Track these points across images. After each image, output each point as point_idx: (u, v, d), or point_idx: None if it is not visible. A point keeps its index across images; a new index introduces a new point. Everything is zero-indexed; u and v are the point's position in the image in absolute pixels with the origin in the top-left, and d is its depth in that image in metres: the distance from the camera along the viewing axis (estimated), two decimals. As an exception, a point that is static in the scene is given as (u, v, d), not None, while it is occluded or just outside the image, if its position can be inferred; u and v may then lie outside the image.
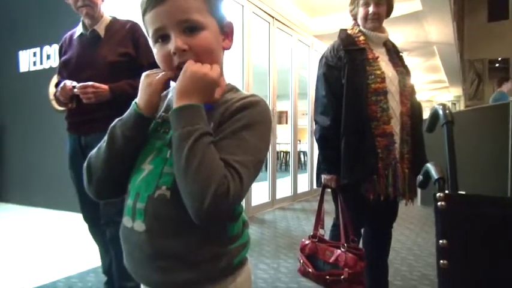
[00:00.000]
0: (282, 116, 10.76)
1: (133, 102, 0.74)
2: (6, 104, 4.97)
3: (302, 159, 8.73)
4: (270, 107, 4.85)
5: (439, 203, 0.82)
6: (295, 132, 5.69)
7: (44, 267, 2.61)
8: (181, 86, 0.68)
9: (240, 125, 0.68)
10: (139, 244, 0.71)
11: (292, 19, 5.43)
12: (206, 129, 0.65)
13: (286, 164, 8.82)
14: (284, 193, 5.32)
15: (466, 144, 2.96)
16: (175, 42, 0.70)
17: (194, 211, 0.62)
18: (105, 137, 0.75)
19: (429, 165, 0.89)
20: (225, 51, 0.80)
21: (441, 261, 0.81)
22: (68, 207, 4.10)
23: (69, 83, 1.80)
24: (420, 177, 0.95)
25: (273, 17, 4.88)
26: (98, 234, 2.02)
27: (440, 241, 0.82)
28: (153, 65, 1.98)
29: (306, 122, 6.24)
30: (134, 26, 1.93)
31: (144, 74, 0.76)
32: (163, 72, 0.74)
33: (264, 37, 4.86)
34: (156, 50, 0.74)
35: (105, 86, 1.77)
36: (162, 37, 0.72)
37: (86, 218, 2.06)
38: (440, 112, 0.92)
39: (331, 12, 5.97)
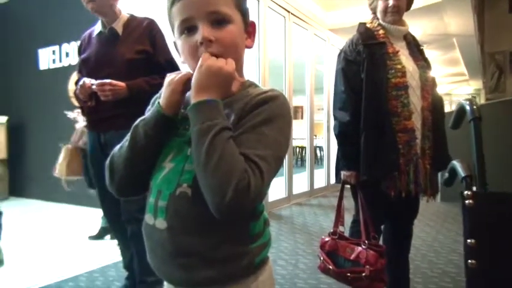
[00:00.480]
0: (297, 111, 10.69)
1: (156, 102, 0.75)
2: (27, 101, 5.08)
3: (318, 154, 8.68)
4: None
5: (466, 201, 0.79)
6: (312, 127, 5.65)
7: (66, 261, 2.66)
8: (197, 81, 0.68)
9: (260, 120, 0.67)
10: (161, 241, 0.72)
11: (307, 13, 5.37)
12: (225, 124, 0.65)
13: (302, 159, 8.80)
14: (301, 189, 5.30)
15: (487, 138, 2.88)
16: (202, 32, 0.70)
17: (215, 206, 0.62)
18: (128, 136, 0.75)
19: (455, 163, 0.86)
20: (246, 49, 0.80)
21: (469, 261, 0.79)
22: (89, 202, 4.18)
23: (88, 80, 1.82)
24: (446, 175, 0.92)
25: (288, 11, 4.84)
26: (118, 230, 2.04)
27: (469, 240, 0.80)
28: (170, 62, 1.98)
29: (322, 117, 6.19)
30: (151, 23, 1.93)
31: (168, 75, 0.76)
32: (184, 73, 0.74)
33: (279, 32, 4.83)
34: (181, 42, 0.75)
35: (122, 84, 1.79)
36: (188, 29, 0.73)
37: (106, 214, 2.09)
38: (468, 108, 0.89)
39: (347, 6, 5.88)
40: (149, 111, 0.76)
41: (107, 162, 0.77)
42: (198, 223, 0.69)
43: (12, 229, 3.29)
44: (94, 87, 1.79)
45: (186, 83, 0.73)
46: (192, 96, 0.68)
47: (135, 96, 1.78)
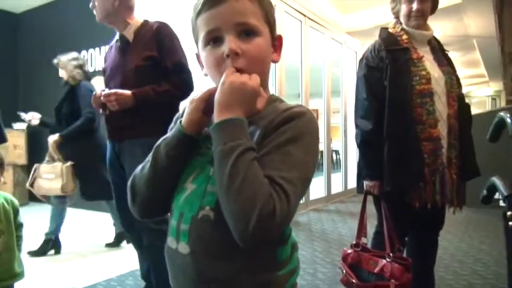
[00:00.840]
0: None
1: (178, 121, 0.72)
2: (46, 107, 5.14)
3: (335, 158, 8.59)
4: (293, 103, 4.88)
5: (510, 223, 0.74)
6: (328, 130, 5.59)
7: (84, 269, 2.67)
8: (220, 98, 0.64)
9: (285, 138, 0.63)
10: (183, 267, 0.68)
11: (324, 17, 5.32)
12: (249, 145, 0.61)
13: (319, 163, 8.71)
14: (317, 194, 5.23)
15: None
16: (229, 44, 0.67)
17: (238, 233, 0.58)
18: (149, 156, 0.73)
19: (496, 180, 0.81)
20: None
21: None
22: (107, 208, 4.20)
23: (99, 90, 1.82)
24: (484, 192, 0.87)
25: (304, 15, 4.80)
26: (135, 239, 2.03)
27: (512, 265, 0.74)
28: (178, 65, 1.95)
29: (339, 120, 6.13)
30: (160, 27, 1.88)
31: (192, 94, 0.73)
32: (206, 90, 0.70)
33: (296, 36, 4.79)
34: (205, 54, 0.71)
35: (127, 93, 1.77)
36: (214, 40, 0.69)
37: (123, 223, 2.08)
38: (509, 121, 0.83)
39: (364, 8, 5.80)
40: (171, 131, 0.73)
41: (129, 183, 0.75)
42: (221, 248, 0.65)
43: (31, 235, 3.32)
44: (102, 98, 1.78)
45: (208, 99, 0.69)
46: (215, 115, 0.64)
47: (142, 104, 1.77)
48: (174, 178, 0.72)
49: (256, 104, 0.66)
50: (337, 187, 5.74)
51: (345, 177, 5.90)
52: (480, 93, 14.21)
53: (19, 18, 5.45)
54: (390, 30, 1.74)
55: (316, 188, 5.34)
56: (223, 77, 0.65)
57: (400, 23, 1.72)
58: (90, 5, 1.92)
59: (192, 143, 0.71)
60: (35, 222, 3.99)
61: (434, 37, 1.74)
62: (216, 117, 0.64)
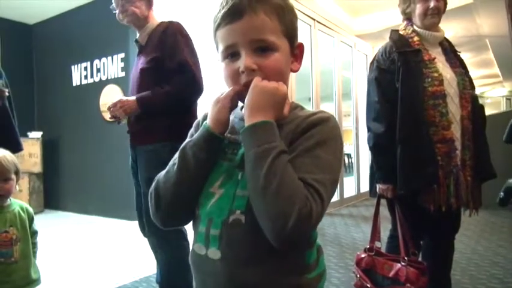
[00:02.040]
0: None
1: (204, 123, 0.73)
2: (62, 116, 5.24)
3: (347, 161, 8.53)
4: (314, 109, 4.79)
5: (527, 226, 0.72)
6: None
7: (98, 275, 2.69)
8: (252, 101, 0.66)
9: (313, 142, 0.65)
10: (214, 272, 0.68)
11: (333, 20, 5.31)
12: (283, 147, 0.63)
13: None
14: (330, 198, 5.19)
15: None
16: (245, 61, 0.68)
17: (275, 233, 0.60)
18: (175, 160, 0.73)
19: (512, 182, 0.79)
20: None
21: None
22: (122, 215, 4.25)
23: (110, 102, 1.84)
24: (501, 194, 0.85)
25: (314, 20, 4.80)
26: (154, 243, 2.04)
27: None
28: (181, 65, 1.93)
29: (350, 124, 6.09)
30: (168, 27, 1.85)
31: (213, 94, 0.75)
32: (232, 88, 0.72)
33: (305, 39, 4.79)
34: (224, 66, 0.73)
35: (131, 99, 1.78)
36: (232, 54, 0.71)
37: (141, 228, 2.09)
38: (524, 122, 0.82)
39: (374, 11, 5.78)
40: (196, 134, 0.73)
41: (151, 190, 0.73)
42: (252, 251, 0.66)
43: (47, 243, 3.37)
44: (111, 109, 1.81)
45: (233, 98, 0.71)
46: (246, 117, 0.66)
47: (146, 108, 1.78)
48: (202, 181, 0.72)
49: (283, 110, 0.69)
50: (349, 191, 5.69)
51: (357, 180, 5.84)
52: (494, 94, 13.98)
53: (32, 29, 5.56)
54: (401, 32, 1.72)
55: (329, 192, 5.30)
56: (253, 82, 0.67)
57: (411, 25, 1.71)
58: (120, 9, 1.88)
59: (218, 143, 0.71)
60: (50, 229, 4.06)
61: (445, 38, 1.72)
62: (248, 120, 0.65)
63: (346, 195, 5.47)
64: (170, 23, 1.89)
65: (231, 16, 0.69)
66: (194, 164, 0.70)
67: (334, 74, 5.43)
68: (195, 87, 1.81)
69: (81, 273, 2.75)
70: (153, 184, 0.74)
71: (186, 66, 1.77)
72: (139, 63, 1.89)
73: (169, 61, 1.78)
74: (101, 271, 2.78)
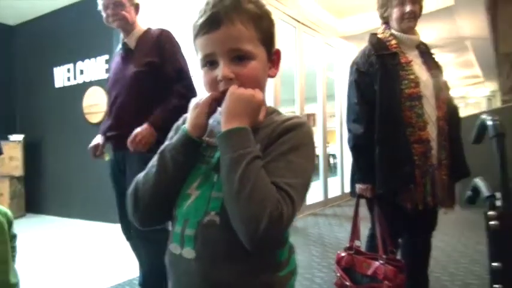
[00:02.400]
0: (310, 119, 10.65)
1: (182, 127, 0.75)
2: (44, 118, 5.17)
3: (332, 162, 8.61)
4: (298, 111, 4.79)
5: (491, 222, 0.75)
6: (324, 134, 5.61)
7: (81, 279, 2.67)
8: (228, 108, 0.68)
9: (287, 148, 0.68)
10: (188, 272, 0.70)
11: (318, 22, 5.36)
12: (257, 153, 0.65)
13: (316, 167, 8.72)
14: (315, 198, 5.24)
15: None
16: (223, 70, 0.71)
17: (248, 236, 0.62)
18: (153, 162, 0.74)
19: (478, 181, 0.83)
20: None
21: (495, 285, 0.75)
22: (104, 218, 4.21)
23: (95, 142, 1.91)
24: (469, 193, 0.89)
25: (299, 21, 4.84)
26: (136, 246, 2.03)
27: (494, 264, 0.75)
28: (179, 72, 1.95)
29: (335, 124, 6.15)
30: (162, 34, 1.90)
31: (192, 99, 0.76)
32: (210, 94, 0.73)
33: (290, 41, 4.82)
34: (203, 73, 0.75)
35: (145, 128, 1.74)
36: (210, 62, 0.73)
37: (124, 231, 2.08)
38: (489, 123, 0.86)
39: (358, 13, 5.85)
40: (170, 139, 0.76)
41: (130, 191, 0.75)
42: (227, 252, 0.68)
43: (28, 247, 3.33)
44: (131, 148, 1.75)
45: (211, 104, 0.73)
46: (222, 123, 0.68)
47: (163, 128, 1.77)
48: (179, 183, 0.74)
49: (259, 116, 0.71)
50: (334, 191, 5.75)
51: (342, 181, 5.90)
52: (476, 94, 14.28)
53: (14, 30, 5.48)
54: (379, 35, 1.76)
55: (314, 192, 5.35)
56: (229, 89, 0.69)
57: (389, 28, 1.74)
58: (111, 12, 1.88)
59: (196, 147, 0.73)
60: (31, 233, 4.00)
61: (422, 41, 1.76)
62: (224, 126, 0.67)
63: (330, 196, 5.52)
64: (162, 30, 1.94)
65: (209, 26, 0.71)
66: (172, 167, 0.72)
67: (318, 76, 5.48)
68: (195, 93, 1.86)
69: (63, 277, 2.72)
70: (132, 185, 0.75)
71: (186, 73, 1.85)
72: (129, 65, 1.89)
73: (168, 68, 1.83)
74: (83, 275, 2.76)
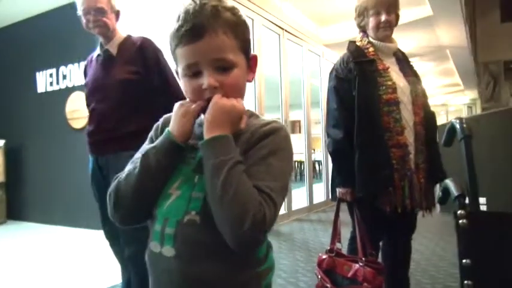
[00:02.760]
0: (295, 126, 10.74)
1: (166, 130, 0.76)
2: (26, 123, 5.08)
3: (317, 168, 8.67)
4: (283, 117, 4.82)
5: (460, 221, 0.79)
6: (309, 141, 5.66)
7: (63, 285, 2.63)
8: (212, 117, 0.71)
9: (267, 152, 0.71)
10: (168, 270, 0.72)
11: (302, 29, 5.44)
12: (239, 158, 0.68)
13: (301, 174, 8.76)
14: (300, 204, 5.28)
15: (484, 150, 2.89)
16: (208, 80, 0.73)
17: (232, 238, 0.65)
18: (134, 164, 0.75)
19: (448, 182, 0.87)
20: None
21: (465, 281, 0.79)
22: (87, 224, 4.16)
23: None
24: (439, 194, 0.92)
25: (282, 29, 4.90)
26: (119, 252, 2.02)
27: (464, 261, 0.79)
28: (166, 83, 1.94)
29: (320, 131, 6.21)
30: (144, 43, 1.90)
31: (177, 104, 0.78)
32: (197, 103, 0.75)
33: (274, 48, 4.88)
34: (185, 82, 0.77)
35: None
36: (194, 73, 0.74)
37: (107, 236, 2.06)
38: (458, 126, 0.90)
39: (340, 21, 5.96)
40: (151, 139, 0.77)
41: (111, 190, 0.76)
42: (207, 250, 0.70)
43: (10, 254, 3.26)
44: None
45: (199, 113, 0.75)
46: (205, 131, 0.71)
47: None
48: (161, 184, 0.75)
49: (240, 124, 0.74)
50: (319, 197, 5.80)
51: (326, 186, 5.96)
52: (457, 102, 14.61)
53: (-4, 35, 5.39)
54: (358, 43, 1.81)
55: (299, 198, 5.39)
56: (213, 99, 0.72)
57: (367, 36, 1.80)
58: (92, 18, 1.87)
59: (180, 151, 0.75)
60: (13, 240, 3.92)
61: (399, 49, 1.82)
62: (207, 134, 0.70)
63: (315, 201, 5.57)
64: (144, 38, 1.93)
65: (191, 36, 0.72)
66: (155, 169, 0.74)
67: (303, 83, 5.55)
68: (183, 95, 1.86)
69: (45, 284, 2.67)
70: (113, 185, 0.76)
71: (172, 81, 1.84)
72: (110, 72, 1.88)
73: (154, 80, 1.84)
74: (66, 281, 2.72)
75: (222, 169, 0.65)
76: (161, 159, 0.73)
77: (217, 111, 0.71)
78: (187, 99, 0.78)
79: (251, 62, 0.81)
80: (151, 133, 0.84)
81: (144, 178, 0.73)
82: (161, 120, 0.85)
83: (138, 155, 0.78)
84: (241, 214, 0.62)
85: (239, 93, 0.76)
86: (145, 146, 0.80)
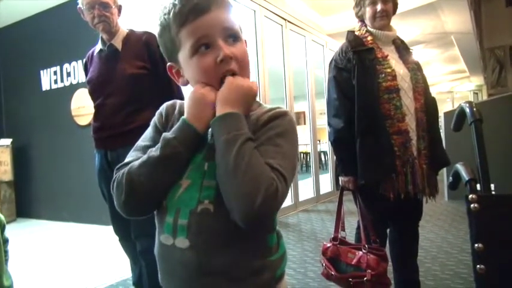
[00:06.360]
0: (300, 117, 10.70)
1: (182, 118, 0.73)
2: (32, 122, 5.12)
3: (323, 159, 8.66)
4: (288, 109, 4.82)
5: (471, 205, 0.78)
6: (314, 132, 5.65)
7: (74, 280, 2.66)
8: (225, 95, 0.70)
9: (275, 133, 0.70)
10: (182, 261, 0.70)
11: (304, 20, 5.40)
12: (250, 135, 0.68)
13: (307, 165, 8.75)
14: (307, 195, 5.28)
15: (491, 136, 2.86)
16: (224, 49, 0.71)
17: (243, 212, 0.63)
18: (151, 153, 0.71)
19: (459, 166, 0.86)
20: None
21: (478, 266, 0.78)
22: (95, 220, 4.20)
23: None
24: (450, 178, 0.91)
25: (285, 20, 4.87)
26: (129, 246, 2.03)
27: (476, 245, 0.78)
28: (169, 79, 1.95)
29: (325, 122, 6.16)
30: (149, 38, 1.90)
31: (194, 89, 0.74)
32: (211, 87, 0.73)
33: (277, 40, 4.85)
34: (195, 61, 0.73)
35: None
36: (205, 46, 0.72)
37: (116, 231, 2.07)
38: (468, 110, 0.89)
39: (343, 10, 5.91)
40: (177, 128, 0.72)
41: (120, 180, 0.71)
42: (222, 239, 0.69)
43: (20, 251, 3.30)
44: None
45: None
46: (218, 109, 0.70)
47: None
48: (178, 176, 0.73)
49: (251, 106, 0.74)
50: (325, 187, 5.79)
51: (332, 177, 5.94)
52: (462, 89, 14.46)
53: None
54: (356, 32, 1.81)
55: (305, 189, 5.39)
56: (228, 79, 0.71)
57: (365, 26, 1.80)
58: (97, 13, 1.87)
59: (201, 140, 0.73)
60: (23, 238, 3.97)
61: (398, 37, 1.82)
62: (220, 111, 0.70)
63: (322, 192, 5.56)
64: (148, 33, 1.93)
65: (198, 9, 0.71)
66: (175, 160, 0.71)
67: (306, 73, 5.52)
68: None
69: (56, 279, 2.71)
70: (124, 174, 0.71)
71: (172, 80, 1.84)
72: (117, 67, 1.89)
73: (161, 73, 1.79)
74: (76, 276, 2.76)
75: (235, 143, 0.65)
76: (183, 150, 0.70)
77: (232, 90, 0.70)
78: (199, 83, 0.74)
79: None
80: (155, 120, 0.81)
81: (164, 169, 0.70)
82: (164, 106, 0.82)
83: (143, 143, 0.77)
84: (253, 187, 0.62)
85: (248, 69, 0.76)
86: (152, 134, 0.78)
